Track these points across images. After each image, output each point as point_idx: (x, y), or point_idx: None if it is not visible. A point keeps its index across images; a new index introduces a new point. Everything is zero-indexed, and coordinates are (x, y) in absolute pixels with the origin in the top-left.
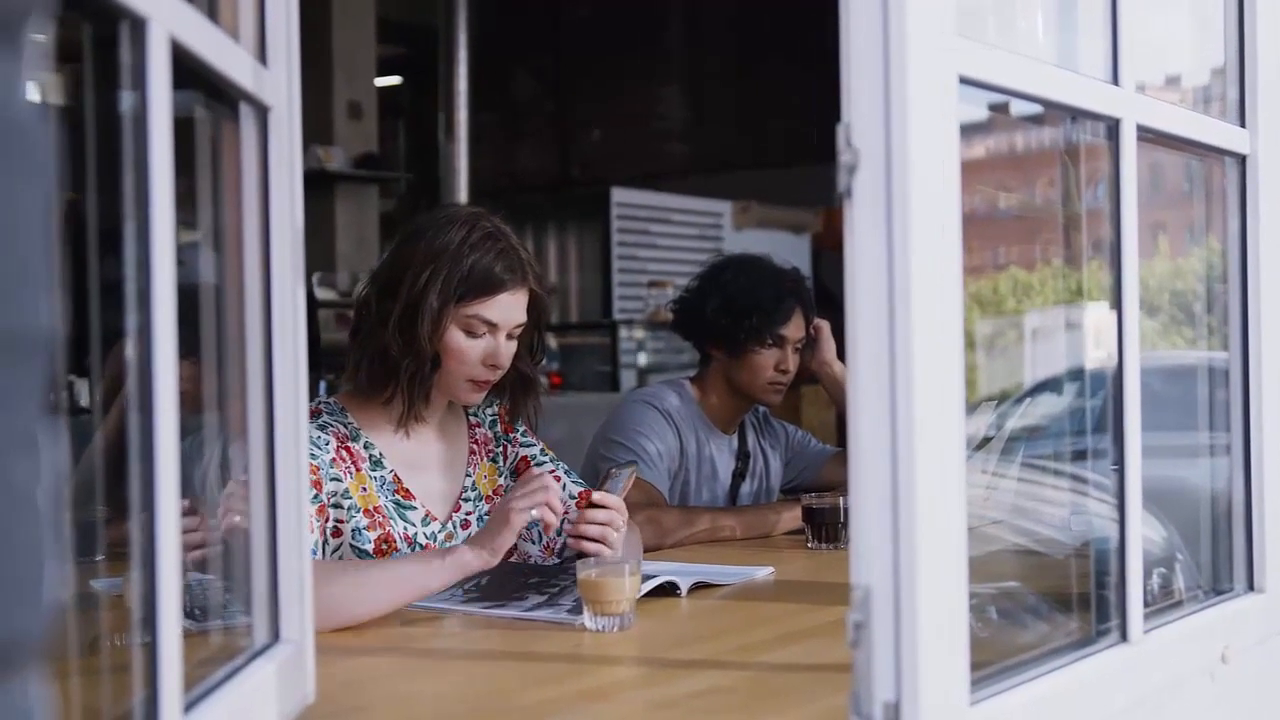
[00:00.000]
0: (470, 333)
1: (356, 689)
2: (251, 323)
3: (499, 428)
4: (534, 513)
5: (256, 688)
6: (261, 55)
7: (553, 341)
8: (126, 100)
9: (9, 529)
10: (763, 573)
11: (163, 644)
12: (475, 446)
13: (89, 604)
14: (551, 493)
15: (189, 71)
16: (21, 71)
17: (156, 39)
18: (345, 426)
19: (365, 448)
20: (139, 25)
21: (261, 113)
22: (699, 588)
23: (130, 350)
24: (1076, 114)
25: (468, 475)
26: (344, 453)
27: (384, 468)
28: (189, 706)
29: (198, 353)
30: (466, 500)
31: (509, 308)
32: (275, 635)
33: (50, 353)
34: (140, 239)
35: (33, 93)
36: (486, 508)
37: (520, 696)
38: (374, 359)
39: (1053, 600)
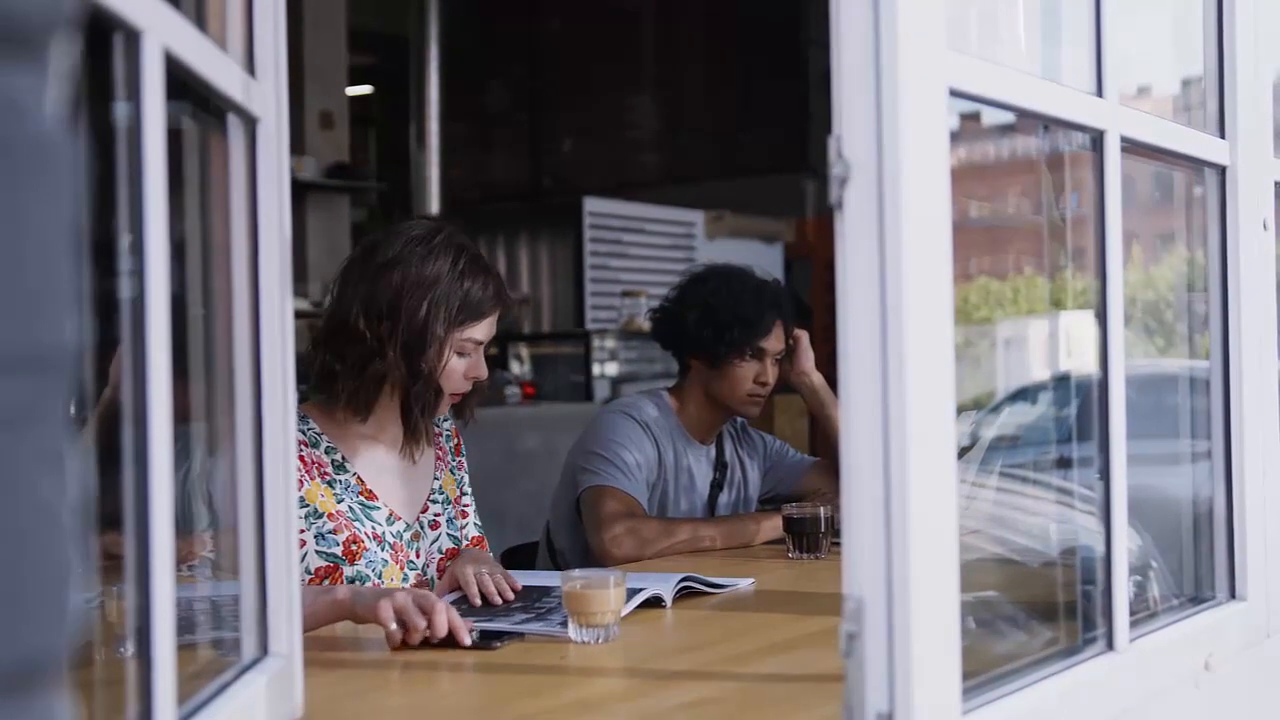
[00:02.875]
0: (461, 353)
1: (345, 703)
2: (239, 334)
3: (451, 444)
4: (393, 625)
5: (246, 702)
6: (250, 67)
7: (525, 351)
8: (120, 111)
9: (35, 546)
10: (745, 583)
11: (157, 659)
12: (440, 453)
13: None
14: (421, 626)
15: (178, 82)
16: (46, 87)
17: (151, 50)
18: (304, 433)
19: (327, 453)
20: (133, 37)
21: (250, 124)
22: (685, 595)
23: (121, 361)
24: (1062, 125)
25: (435, 478)
26: (298, 461)
27: (348, 471)
28: None
29: (184, 365)
30: (435, 502)
31: (492, 325)
32: (264, 649)
33: (72, 369)
34: (134, 250)
35: (58, 107)
36: (453, 511)
37: (508, 709)
38: (373, 383)
39: (1037, 610)
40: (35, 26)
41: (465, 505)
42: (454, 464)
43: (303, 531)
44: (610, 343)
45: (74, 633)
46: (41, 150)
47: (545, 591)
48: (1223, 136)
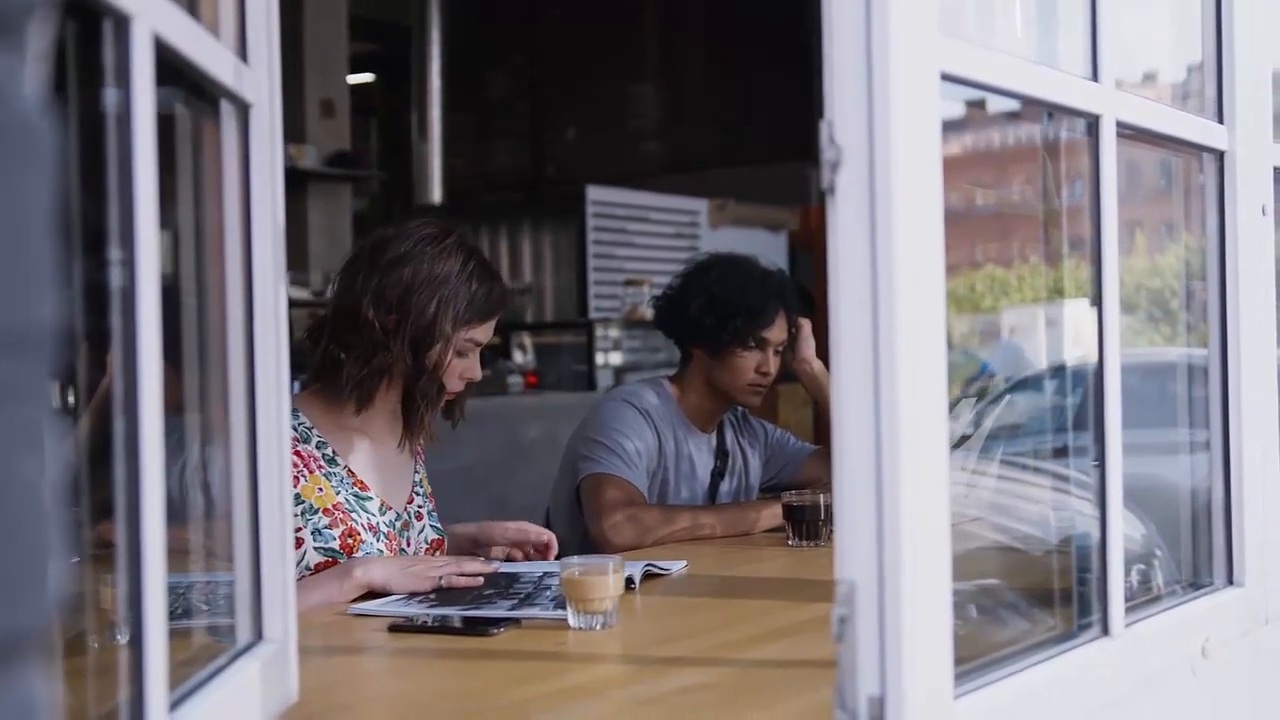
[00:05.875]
0: (461, 353)
1: (340, 689)
2: (233, 322)
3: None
4: (443, 582)
5: (240, 686)
6: (242, 52)
7: (528, 341)
8: (109, 97)
9: (16, 522)
10: (679, 566)
11: (148, 644)
12: (419, 450)
13: (65, 604)
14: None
15: (170, 68)
16: (24, 69)
17: (140, 36)
18: (295, 429)
19: (318, 447)
20: (123, 22)
21: (243, 110)
22: (649, 577)
23: (111, 351)
24: (1057, 110)
25: (416, 472)
26: (294, 457)
27: (339, 464)
28: (174, 705)
29: (177, 353)
30: (418, 494)
31: (491, 328)
32: (258, 634)
33: (52, 347)
34: (124, 239)
35: (35, 88)
36: (431, 504)
37: (504, 695)
38: (376, 375)
39: (1034, 596)
40: (12, 9)
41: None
42: (423, 461)
43: (300, 530)
44: (613, 332)
45: (55, 610)
46: (19, 132)
47: (514, 578)
48: (1221, 121)
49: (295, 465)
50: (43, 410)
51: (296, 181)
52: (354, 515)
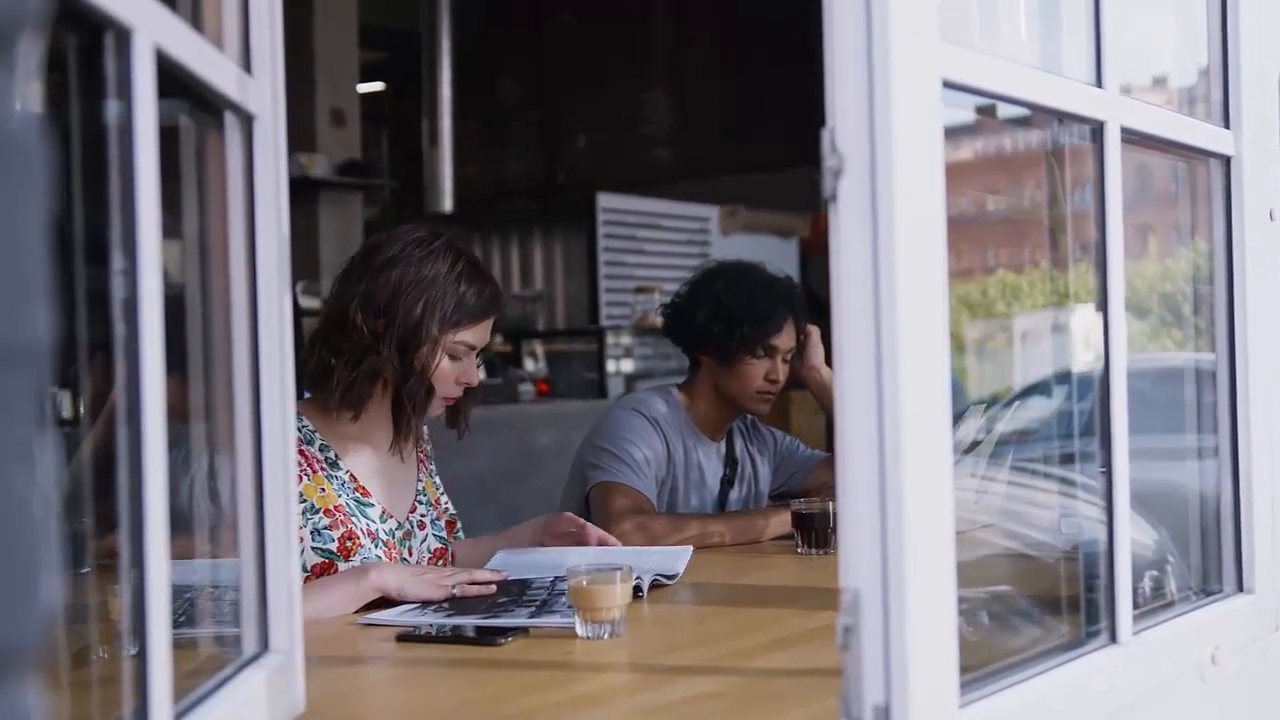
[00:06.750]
0: (453, 357)
1: (346, 699)
2: (238, 333)
3: (430, 450)
4: (455, 590)
5: (246, 698)
6: (246, 63)
7: (539, 348)
8: (111, 110)
9: (8, 537)
10: (684, 554)
11: (152, 655)
12: (422, 457)
13: (74, 615)
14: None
15: (173, 80)
16: (15, 83)
17: (141, 49)
18: (299, 431)
19: (321, 450)
20: (124, 35)
21: (246, 121)
22: (657, 586)
23: (116, 362)
24: (1061, 116)
25: (419, 481)
26: (297, 456)
27: (341, 469)
28: (179, 716)
29: (183, 364)
30: (421, 503)
31: (485, 331)
32: (264, 645)
33: (46, 363)
34: (126, 249)
35: (27, 104)
36: (435, 513)
37: (512, 704)
38: (366, 379)
39: (1042, 603)
40: (2, 24)
41: (446, 506)
42: (431, 469)
43: (300, 528)
44: (624, 339)
45: (48, 624)
46: (11, 148)
47: (526, 585)
48: (1227, 126)
49: (298, 465)
50: (36, 425)
51: (308, 190)
52: (354, 519)
